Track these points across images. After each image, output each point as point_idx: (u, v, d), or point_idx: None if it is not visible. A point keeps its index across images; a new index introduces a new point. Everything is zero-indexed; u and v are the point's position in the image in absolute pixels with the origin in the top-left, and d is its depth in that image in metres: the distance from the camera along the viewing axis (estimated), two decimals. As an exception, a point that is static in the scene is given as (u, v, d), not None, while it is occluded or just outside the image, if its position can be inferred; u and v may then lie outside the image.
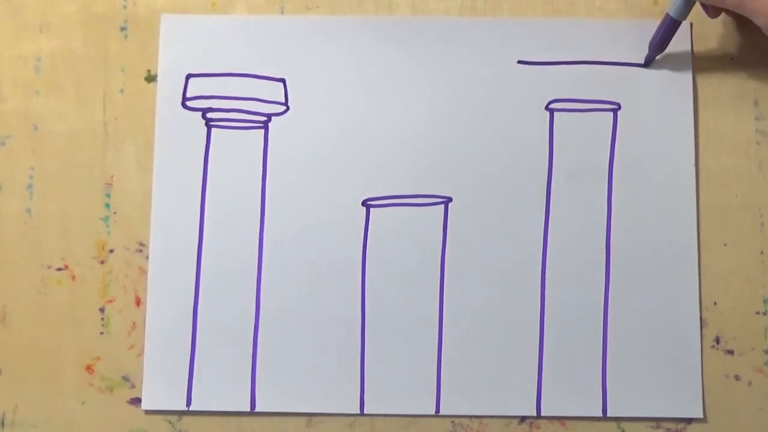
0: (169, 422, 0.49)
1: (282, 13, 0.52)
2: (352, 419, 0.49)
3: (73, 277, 0.50)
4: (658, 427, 0.49)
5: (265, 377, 0.49)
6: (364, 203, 0.50)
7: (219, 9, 0.53)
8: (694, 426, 0.49)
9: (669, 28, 0.50)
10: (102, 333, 0.50)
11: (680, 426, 0.49)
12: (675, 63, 0.51)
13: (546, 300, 0.50)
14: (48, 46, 0.52)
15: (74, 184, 0.51)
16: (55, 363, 0.50)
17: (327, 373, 0.49)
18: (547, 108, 0.51)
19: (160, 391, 0.49)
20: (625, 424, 0.49)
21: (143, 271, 0.50)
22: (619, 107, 0.51)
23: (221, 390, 0.49)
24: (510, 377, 0.49)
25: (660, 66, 0.51)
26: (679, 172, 0.50)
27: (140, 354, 0.50)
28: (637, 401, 0.49)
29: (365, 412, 0.49)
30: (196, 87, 0.51)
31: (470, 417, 0.49)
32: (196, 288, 0.50)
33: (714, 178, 0.51)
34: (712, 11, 0.50)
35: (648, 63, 0.51)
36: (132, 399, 0.50)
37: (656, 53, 0.51)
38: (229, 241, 0.50)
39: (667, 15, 0.50)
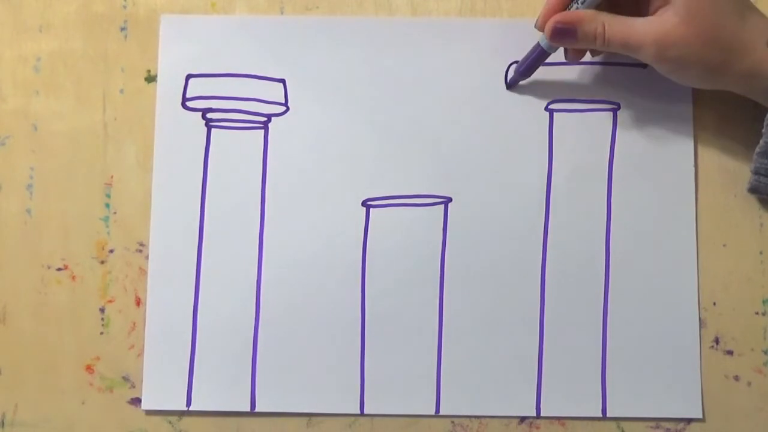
0: (169, 422, 0.49)
1: (282, 13, 0.53)
2: (352, 419, 0.49)
3: (73, 277, 0.51)
4: (657, 427, 0.49)
5: (265, 377, 0.49)
6: (364, 203, 0.51)
7: (219, 9, 0.53)
8: (693, 426, 0.49)
9: (538, 56, 0.49)
10: (102, 333, 0.50)
11: (679, 426, 0.49)
12: (674, 64, 0.51)
13: (546, 300, 0.50)
14: (48, 46, 0.52)
15: (74, 184, 0.51)
16: (55, 363, 0.50)
17: (327, 373, 0.49)
18: (546, 108, 0.51)
19: (160, 391, 0.49)
20: (624, 424, 0.49)
21: (143, 271, 0.50)
22: (619, 107, 0.51)
23: (221, 390, 0.49)
24: (510, 377, 0.49)
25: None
26: (678, 172, 0.51)
27: (140, 354, 0.50)
28: (636, 401, 0.49)
29: (365, 412, 0.49)
30: (196, 87, 0.51)
31: (470, 417, 0.49)
32: (196, 288, 0.50)
33: (713, 178, 0.51)
34: (573, 55, 0.49)
35: (510, 86, 0.51)
36: (132, 399, 0.50)
37: (521, 78, 0.50)
38: (229, 242, 0.50)
39: (538, 44, 0.49)
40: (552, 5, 0.47)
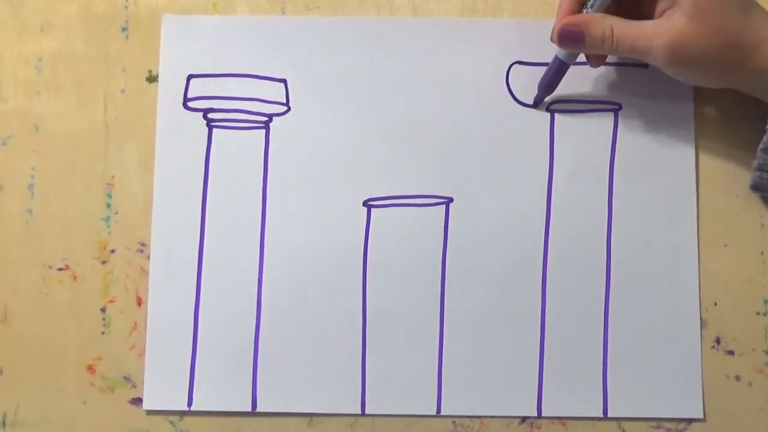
0: (171, 422, 0.49)
1: (283, 13, 0.53)
2: (354, 419, 0.49)
3: (75, 277, 0.51)
4: (658, 427, 0.49)
5: (267, 377, 0.49)
6: (365, 203, 0.51)
7: (220, 9, 0.53)
8: (694, 426, 0.49)
9: (557, 70, 0.49)
10: (103, 333, 0.50)
11: (680, 426, 0.49)
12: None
13: (547, 300, 0.50)
14: (49, 46, 0.52)
15: (75, 184, 0.51)
16: (56, 363, 0.50)
17: (328, 373, 0.49)
18: (547, 109, 0.51)
19: (162, 391, 0.49)
20: (625, 424, 0.49)
21: (144, 271, 0.50)
22: (620, 107, 0.51)
23: (222, 390, 0.49)
24: (511, 377, 0.49)
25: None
26: (679, 173, 0.51)
27: (141, 354, 0.50)
28: (637, 401, 0.49)
29: (366, 412, 0.49)
30: (197, 87, 0.51)
31: (471, 417, 0.49)
32: (197, 288, 0.50)
33: (714, 178, 0.51)
34: (594, 61, 0.50)
35: (536, 104, 0.51)
36: (133, 399, 0.50)
37: (545, 94, 0.50)
38: (230, 241, 0.50)
39: (556, 57, 0.49)
40: (563, 15, 0.47)
